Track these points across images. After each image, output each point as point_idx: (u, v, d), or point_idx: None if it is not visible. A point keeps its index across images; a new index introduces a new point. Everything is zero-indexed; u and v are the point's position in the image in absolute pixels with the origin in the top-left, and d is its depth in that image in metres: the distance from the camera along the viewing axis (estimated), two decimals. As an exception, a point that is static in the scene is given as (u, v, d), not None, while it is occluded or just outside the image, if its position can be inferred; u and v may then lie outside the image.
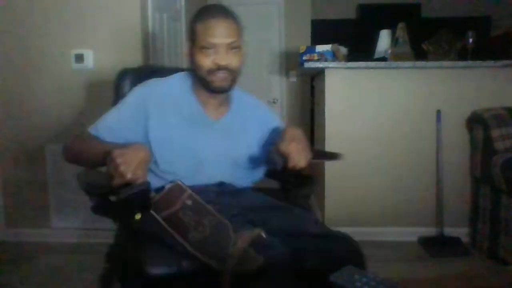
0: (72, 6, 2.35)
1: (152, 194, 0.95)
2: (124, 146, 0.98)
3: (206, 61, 1.09)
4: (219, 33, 1.07)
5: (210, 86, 1.12)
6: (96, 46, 2.38)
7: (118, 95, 1.45)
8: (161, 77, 1.25)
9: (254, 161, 1.23)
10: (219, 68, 1.09)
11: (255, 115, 1.28)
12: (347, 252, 0.95)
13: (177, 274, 0.87)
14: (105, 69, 2.39)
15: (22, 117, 2.45)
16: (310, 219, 1.14)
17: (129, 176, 0.90)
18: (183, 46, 1.16)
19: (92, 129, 1.21)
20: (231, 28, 1.09)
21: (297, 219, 1.09)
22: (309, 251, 0.94)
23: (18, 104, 2.45)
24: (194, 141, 1.16)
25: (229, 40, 1.08)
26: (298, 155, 1.04)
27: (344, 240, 0.99)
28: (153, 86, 1.19)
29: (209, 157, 1.17)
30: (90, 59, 2.38)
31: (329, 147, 2.46)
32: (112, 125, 1.19)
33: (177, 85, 1.20)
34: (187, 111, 1.18)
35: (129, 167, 0.90)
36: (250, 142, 1.24)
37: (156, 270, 0.87)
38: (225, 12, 1.11)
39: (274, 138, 1.18)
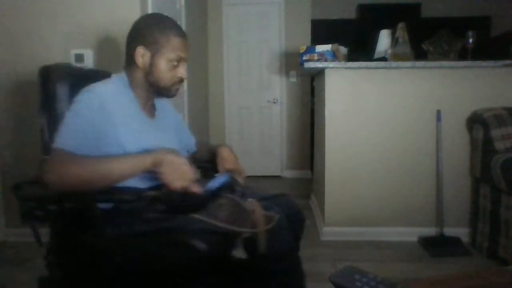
0: (72, 6, 2.36)
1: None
2: (155, 152, 1.06)
3: (171, 73, 1.19)
4: (185, 49, 1.20)
5: (168, 94, 1.24)
6: (96, 46, 2.38)
7: (46, 95, 1.38)
8: (82, 77, 1.29)
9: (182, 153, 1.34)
10: (181, 80, 1.22)
11: (167, 108, 1.40)
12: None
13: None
14: (105, 69, 2.39)
15: (22, 117, 2.45)
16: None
17: (190, 177, 1.02)
18: (136, 49, 1.19)
19: (60, 144, 1.06)
20: (189, 45, 1.23)
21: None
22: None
23: (18, 104, 2.45)
24: (148, 141, 1.19)
25: (188, 56, 1.22)
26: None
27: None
28: (104, 91, 1.17)
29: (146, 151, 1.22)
30: (90, 59, 2.38)
31: (329, 147, 2.46)
32: (87, 134, 1.09)
33: (121, 88, 1.21)
34: (134, 113, 1.21)
35: (189, 171, 1.04)
36: (176, 135, 1.37)
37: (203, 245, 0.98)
38: (182, 29, 1.23)
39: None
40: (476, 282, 0.67)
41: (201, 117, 4.01)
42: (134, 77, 1.21)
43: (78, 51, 2.37)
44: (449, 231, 2.37)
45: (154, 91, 1.23)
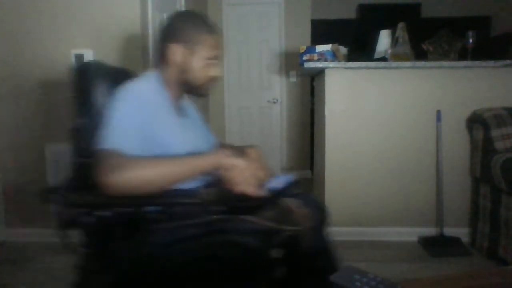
0: (72, 6, 2.36)
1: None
2: (216, 154, 1.04)
3: (205, 71, 1.16)
4: (219, 46, 1.18)
5: (202, 92, 1.21)
6: (96, 46, 2.38)
7: (84, 94, 1.23)
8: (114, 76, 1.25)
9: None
10: (215, 79, 1.20)
11: (191, 107, 1.39)
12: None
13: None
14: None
15: (22, 117, 2.45)
16: None
17: (255, 181, 1.02)
18: (169, 47, 1.16)
19: (113, 145, 1.00)
20: (223, 42, 1.19)
21: None
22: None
23: (18, 104, 2.45)
24: (190, 142, 1.18)
25: (222, 54, 1.18)
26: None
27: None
28: (144, 89, 1.14)
29: (196, 152, 1.20)
30: (90, 59, 2.38)
31: (329, 147, 2.46)
32: (137, 134, 1.05)
33: (156, 87, 1.18)
34: (170, 112, 1.19)
35: (253, 175, 1.02)
36: (202, 135, 1.35)
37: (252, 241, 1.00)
38: (216, 27, 1.21)
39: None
40: (476, 282, 0.67)
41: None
42: (166, 75, 1.18)
43: (78, 51, 2.37)
44: (449, 231, 2.36)
45: (186, 89, 1.21)
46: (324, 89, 2.47)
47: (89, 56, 2.37)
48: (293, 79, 4.33)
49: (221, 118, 4.42)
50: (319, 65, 2.42)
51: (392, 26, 2.60)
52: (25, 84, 2.43)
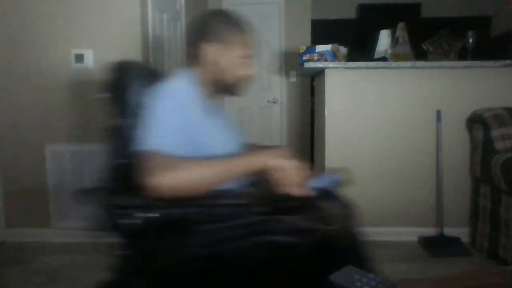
0: (72, 6, 2.36)
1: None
2: (262, 155, 1.04)
3: (239, 70, 1.16)
4: (253, 45, 1.19)
5: (236, 92, 1.20)
6: (96, 46, 2.38)
7: (125, 94, 1.20)
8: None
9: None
10: (249, 77, 1.19)
11: (221, 107, 1.37)
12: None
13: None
14: (105, 69, 2.39)
15: (22, 117, 2.45)
16: None
17: (302, 182, 1.01)
18: (202, 47, 1.15)
19: (158, 146, 0.99)
20: (256, 41, 1.21)
21: None
22: None
23: (18, 104, 2.45)
24: (222, 139, 1.18)
25: (255, 53, 1.21)
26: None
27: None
28: (184, 89, 1.12)
29: (234, 152, 1.21)
30: (90, 59, 2.38)
31: (329, 146, 2.46)
32: (182, 134, 1.04)
33: (192, 87, 1.17)
34: (206, 111, 1.18)
35: (300, 176, 1.02)
36: (235, 132, 1.34)
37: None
38: (249, 25, 1.21)
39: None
40: (476, 282, 0.67)
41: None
42: (200, 75, 1.17)
43: (78, 51, 2.37)
44: (449, 231, 2.36)
45: (220, 89, 1.19)
46: (324, 89, 2.47)
47: (89, 56, 2.37)
48: (293, 79, 4.33)
49: (221, 118, 4.42)
50: (319, 65, 2.41)
51: (392, 26, 2.60)
52: (25, 84, 2.43)
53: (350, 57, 2.63)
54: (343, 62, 2.42)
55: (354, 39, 4.46)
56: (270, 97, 4.37)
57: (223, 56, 1.14)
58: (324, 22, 4.92)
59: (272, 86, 4.37)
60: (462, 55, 2.49)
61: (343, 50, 2.63)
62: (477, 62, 2.31)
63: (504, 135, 2.13)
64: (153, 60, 2.55)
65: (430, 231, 2.44)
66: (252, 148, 1.37)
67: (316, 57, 2.50)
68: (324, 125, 2.49)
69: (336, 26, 5.02)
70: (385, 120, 2.44)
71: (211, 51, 1.14)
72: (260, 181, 1.04)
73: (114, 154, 1.14)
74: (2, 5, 2.39)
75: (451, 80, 2.39)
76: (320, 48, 2.51)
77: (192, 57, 1.18)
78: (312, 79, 3.85)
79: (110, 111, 1.15)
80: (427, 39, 2.57)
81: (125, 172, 1.04)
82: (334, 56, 2.48)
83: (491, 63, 2.31)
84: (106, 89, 1.17)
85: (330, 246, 0.99)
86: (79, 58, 2.37)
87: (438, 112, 2.38)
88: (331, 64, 2.40)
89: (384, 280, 0.62)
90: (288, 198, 1.00)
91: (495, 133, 2.14)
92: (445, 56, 2.51)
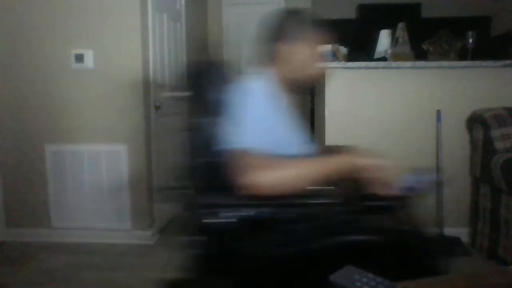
0: (72, 6, 2.36)
1: None
2: (352, 155, 1.02)
3: (313, 68, 1.18)
4: (325, 43, 1.20)
5: (308, 88, 1.18)
6: (96, 46, 2.38)
7: (208, 93, 1.17)
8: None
9: None
10: (322, 75, 1.17)
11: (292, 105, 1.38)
12: None
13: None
14: (105, 69, 2.39)
15: (22, 117, 2.45)
16: None
17: (395, 183, 0.99)
18: (276, 46, 1.12)
19: (249, 145, 0.98)
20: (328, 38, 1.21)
21: None
22: None
23: (18, 104, 2.45)
24: (300, 139, 1.18)
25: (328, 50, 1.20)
26: None
27: None
28: (264, 88, 1.12)
29: (312, 152, 1.21)
30: (90, 59, 2.38)
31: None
32: (268, 133, 1.04)
33: (270, 85, 1.16)
34: (284, 110, 1.19)
35: (392, 176, 1.00)
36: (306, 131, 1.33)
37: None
38: (322, 23, 1.21)
39: None
40: (476, 282, 0.67)
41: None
42: (275, 74, 1.17)
43: (78, 51, 2.37)
44: (449, 231, 2.36)
45: (293, 87, 1.20)
46: (324, 89, 2.47)
47: (89, 56, 2.37)
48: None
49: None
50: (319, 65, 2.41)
51: (392, 26, 2.59)
52: (25, 84, 2.43)
53: (350, 57, 2.63)
54: (343, 62, 2.42)
55: (354, 39, 4.45)
56: (270, 97, 4.37)
57: (297, 54, 1.14)
58: (324, 22, 4.91)
59: (272, 86, 4.36)
60: (462, 55, 2.48)
61: (343, 50, 2.62)
62: (477, 62, 2.31)
63: (504, 135, 2.13)
64: (153, 60, 2.55)
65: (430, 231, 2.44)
66: (327, 149, 1.36)
67: (316, 57, 2.49)
68: (324, 125, 2.49)
69: (336, 26, 5.01)
70: (385, 120, 2.44)
71: (285, 50, 1.14)
72: (350, 180, 1.03)
73: (194, 152, 1.14)
74: (2, 5, 2.39)
75: (451, 80, 2.39)
76: (320, 48, 2.51)
77: (266, 56, 1.18)
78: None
79: (189, 109, 1.15)
80: (427, 39, 2.57)
81: (208, 170, 1.04)
82: (334, 56, 2.48)
83: (491, 63, 2.31)
84: (184, 88, 1.17)
85: (409, 246, 0.98)
86: (79, 58, 2.37)
87: (438, 112, 2.38)
88: (331, 64, 2.39)
89: (384, 280, 0.62)
90: (377, 197, 0.99)
91: (495, 133, 2.14)
92: (445, 56, 2.50)
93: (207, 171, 1.04)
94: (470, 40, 2.41)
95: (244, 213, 0.95)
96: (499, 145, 2.13)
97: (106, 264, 2.18)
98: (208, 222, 0.96)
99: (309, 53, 1.15)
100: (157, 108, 2.58)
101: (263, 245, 0.98)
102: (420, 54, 2.54)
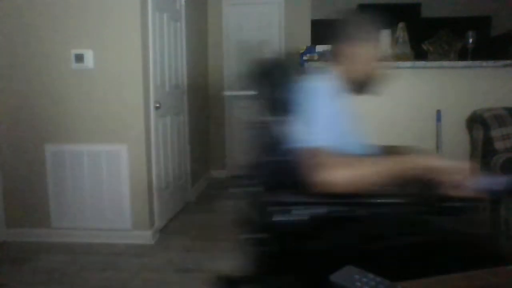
0: (72, 6, 2.36)
1: None
2: (421, 156, 1.02)
3: (378, 70, 1.18)
4: (390, 47, 1.23)
5: (373, 91, 1.21)
6: (96, 46, 2.38)
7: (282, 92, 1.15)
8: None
9: None
10: (386, 76, 1.20)
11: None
12: None
13: None
14: (105, 69, 2.39)
15: (22, 117, 2.45)
16: None
17: (467, 184, 0.97)
18: (341, 46, 1.15)
19: (321, 143, 1.00)
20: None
21: None
22: None
23: (18, 104, 2.45)
24: (363, 138, 1.19)
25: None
26: None
27: None
28: (332, 88, 1.12)
29: (377, 152, 1.22)
30: (90, 59, 2.38)
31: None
32: (339, 132, 1.06)
33: (336, 85, 1.17)
34: (349, 110, 1.20)
35: (465, 178, 0.98)
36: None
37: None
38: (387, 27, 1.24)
39: None
40: (476, 282, 0.67)
41: (201, 117, 4.01)
42: (339, 73, 1.19)
43: (78, 51, 2.37)
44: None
45: (358, 87, 1.21)
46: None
47: (89, 56, 2.37)
48: (293, 79, 4.33)
49: (221, 118, 4.42)
50: (319, 65, 2.41)
51: (392, 26, 2.59)
52: (25, 84, 2.43)
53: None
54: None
55: (354, 39, 4.45)
56: (270, 97, 4.36)
57: (362, 55, 1.16)
58: (324, 22, 4.91)
59: (272, 86, 4.36)
60: (462, 55, 2.48)
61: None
62: (477, 62, 2.31)
63: (504, 135, 2.13)
64: (153, 60, 2.55)
65: (430, 231, 2.44)
66: (389, 149, 1.36)
67: (316, 57, 2.50)
68: (324, 125, 2.49)
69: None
70: (385, 120, 2.44)
71: (351, 50, 1.16)
72: (422, 180, 1.02)
73: (263, 151, 1.14)
74: (2, 5, 2.39)
75: (451, 80, 2.39)
76: (320, 48, 2.51)
77: (331, 56, 1.21)
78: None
79: (256, 107, 1.15)
80: (427, 39, 2.57)
81: (278, 168, 1.04)
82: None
83: (491, 63, 2.31)
84: (251, 86, 1.17)
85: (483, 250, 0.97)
86: (79, 58, 2.37)
87: (438, 112, 2.38)
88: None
89: (384, 280, 0.62)
90: (449, 199, 0.98)
91: (495, 133, 2.14)
92: (445, 56, 2.51)
93: (277, 169, 1.04)
94: (470, 40, 2.41)
95: (316, 211, 0.95)
96: (499, 145, 2.13)
97: (106, 264, 2.18)
98: (280, 219, 0.96)
99: (373, 54, 1.17)
100: (157, 108, 2.58)
101: (333, 243, 0.98)
102: (420, 54, 2.55)
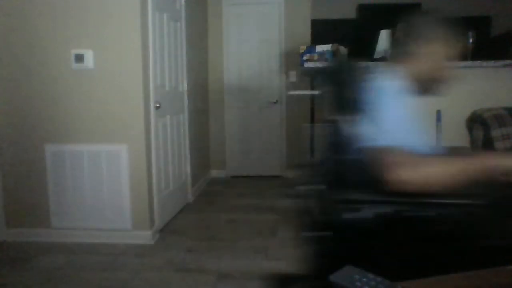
0: (72, 6, 2.36)
1: None
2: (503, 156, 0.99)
3: (447, 71, 1.17)
4: (459, 48, 1.19)
5: (439, 92, 1.19)
6: (96, 46, 2.38)
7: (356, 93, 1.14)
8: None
9: None
10: (453, 77, 1.19)
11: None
12: None
13: None
14: (105, 69, 2.39)
15: (22, 117, 2.45)
16: None
17: None
18: (412, 46, 1.14)
19: (388, 141, 1.01)
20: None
21: None
22: None
23: (18, 104, 2.45)
24: (426, 137, 1.21)
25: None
26: None
27: None
28: (398, 86, 1.12)
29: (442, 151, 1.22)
30: (90, 59, 2.38)
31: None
32: (407, 129, 1.06)
33: (403, 84, 1.16)
34: (414, 109, 1.19)
35: None
36: None
37: None
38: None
39: None
40: (476, 282, 0.67)
41: (201, 117, 4.01)
42: (409, 73, 1.17)
43: (78, 51, 2.37)
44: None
45: (425, 87, 1.19)
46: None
47: (89, 56, 2.37)
48: (293, 79, 4.33)
49: (221, 118, 4.42)
50: (319, 65, 2.41)
51: (392, 26, 2.60)
52: (25, 84, 2.43)
53: (350, 57, 2.63)
54: (343, 62, 2.42)
55: (354, 39, 4.46)
56: (270, 97, 4.37)
57: (434, 54, 1.15)
58: (324, 22, 4.91)
59: (272, 86, 4.37)
60: (462, 55, 2.48)
61: (343, 50, 2.63)
62: (477, 62, 2.31)
63: (504, 135, 2.13)
64: (153, 60, 2.55)
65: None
66: (454, 149, 1.35)
67: (316, 57, 2.50)
68: (324, 125, 2.49)
69: (336, 26, 5.02)
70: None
71: (422, 50, 1.14)
72: (495, 181, 1.00)
73: (329, 149, 1.14)
74: (2, 5, 2.39)
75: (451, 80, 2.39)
76: (320, 48, 2.52)
77: (401, 56, 1.19)
78: (312, 79, 3.84)
79: (326, 106, 1.15)
80: (427, 39, 2.57)
81: (349, 167, 1.04)
82: (334, 56, 2.48)
83: (491, 63, 2.31)
84: (321, 85, 1.17)
85: None
86: (79, 58, 2.37)
87: (438, 112, 2.38)
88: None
89: (384, 280, 0.62)
90: None
91: (495, 133, 2.14)
92: (445, 56, 2.51)
93: (345, 168, 1.04)
94: (470, 40, 2.41)
95: (382, 210, 0.95)
96: (499, 145, 2.13)
97: (106, 264, 2.18)
98: (350, 217, 0.96)
99: (444, 53, 1.15)
100: (157, 108, 2.58)
101: (399, 242, 0.97)
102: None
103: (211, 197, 3.60)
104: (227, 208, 3.27)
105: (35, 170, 2.47)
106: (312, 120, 3.77)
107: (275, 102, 4.36)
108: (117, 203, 2.46)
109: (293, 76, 4.33)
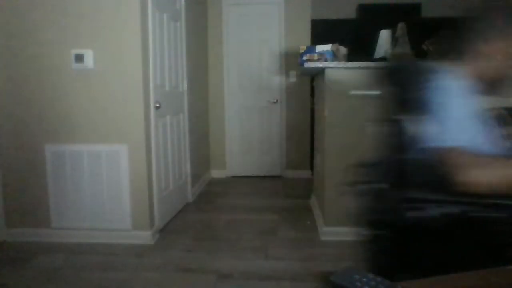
0: (72, 6, 2.36)
1: None
2: None
3: (509, 69, 1.12)
4: None
5: (501, 91, 1.18)
6: (96, 46, 2.38)
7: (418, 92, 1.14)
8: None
9: None
10: None
11: None
12: None
13: None
14: (105, 69, 2.39)
15: (22, 117, 2.45)
16: None
17: None
18: (476, 43, 1.11)
19: (455, 142, 0.99)
20: None
21: None
22: None
23: (18, 104, 2.45)
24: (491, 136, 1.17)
25: None
26: None
27: None
28: (461, 85, 1.09)
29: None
30: (90, 59, 2.38)
31: (329, 146, 2.46)
32: (473, 130, 1.05)
33: (468, 83, 1.13)
34: (478, 109, 1.16)
35: None
36: None
37: None
38: None
39: None
40: (476, 282, 0.67)
41: (201, 117, 4.01)
42: (472, 72, 1.13)
43: (78, 51, 2.37)
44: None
45: (488, 86, 1.15)
46: (324, 89, 2.47)
47: (89, 56, 2.37)
48: (293, 79, 4.33)
49: (221, 118, 4.42)
50: (319, 65, 2.41)
51: (392, 26, 2.60)
52: (25, 84, 2.43)
53: (350, 57, 2.63)
54: (343, 62, 2.42)
55: (354, 39, 4.45)
56: (270, 97, 4.37)
57: (499, 53, 1.10)
58: (324, 22, 4.91)
59: (272, 86, 4.37)
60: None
61: (343, 50, 2.63)
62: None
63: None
64: (153, 60, 2.55)
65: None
66: None
67: (316, 57, 2.50)
68: (324, 125, 2.49)
69: (336, 26, 5.02)
70: (385, 120, 2.44)
71: (487, 49, 1.11)
72: None
73: (393, 149, 1.14)
74: (2, 5, 2.39)
75: (451, 80, 2.39)
76: (320, 48, 2.51)
77: (464, 55, 1.15)
78: (312, 79, 3.84)
79: (388, 106, 1.15)
80: (427, 39, 2.57)
81: (413, 167, 1.03)
82: (334, 56, 2.48)
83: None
84: (382, 85, 1.17)
85: None
86: (79, 58, 2.37)
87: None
88: (331, 64, 2.39)
89: (384, 280, 0.62)
90: None
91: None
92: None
93: (409, 167, 1.03)
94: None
95: (449, 210, 0.95)
96: None
97: (106, 264, 2.18)
98: (415, 216, 0.96)
99: (506, 53, 1.10)
100: (157, 108, 2.58)
101: (465, 244, 0.96)
102: (420, 54, 2.54)
103: (211, 197, 3.60)
104: (227, 208, 3.27)
105: (35, 170, 2.47)
106: (312, 120, 3.77)
107: (275, 102, 4.36)
108: (117, 203, 2.46)
109: (293, 76, 4.33)
